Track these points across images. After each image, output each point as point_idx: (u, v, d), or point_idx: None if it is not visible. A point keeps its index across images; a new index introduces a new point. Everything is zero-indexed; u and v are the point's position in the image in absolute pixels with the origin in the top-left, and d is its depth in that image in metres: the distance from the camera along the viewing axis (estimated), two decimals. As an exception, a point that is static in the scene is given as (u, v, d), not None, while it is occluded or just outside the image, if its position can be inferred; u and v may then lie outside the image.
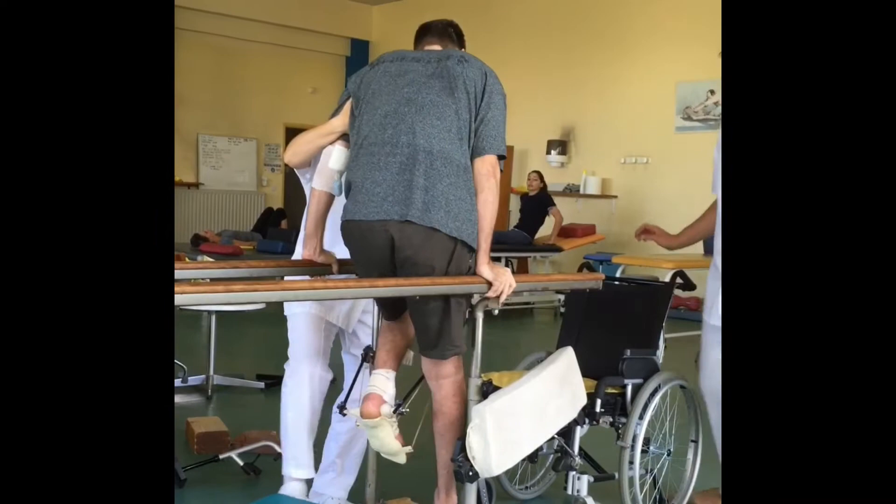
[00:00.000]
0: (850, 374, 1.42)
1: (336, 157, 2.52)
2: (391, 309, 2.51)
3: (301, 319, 2.82)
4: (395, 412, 2.42)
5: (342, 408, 2.58)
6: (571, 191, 9.47)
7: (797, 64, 1.47)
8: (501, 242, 7.71)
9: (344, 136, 2.53)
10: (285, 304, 2.89)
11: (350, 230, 2.38)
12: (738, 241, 1.51)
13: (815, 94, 1.45)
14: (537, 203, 8.36)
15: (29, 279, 1.35)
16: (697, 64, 8.32)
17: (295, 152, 2.60)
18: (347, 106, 2.50)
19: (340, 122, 2.52)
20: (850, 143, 1.43)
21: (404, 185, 2.28)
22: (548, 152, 9.71)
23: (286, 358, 2.86)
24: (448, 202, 2.28)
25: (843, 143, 1.43)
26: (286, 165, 12.07)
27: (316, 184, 2.56)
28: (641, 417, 2.80)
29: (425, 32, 2.55)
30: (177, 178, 10.54)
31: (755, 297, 1.49)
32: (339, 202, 2.59)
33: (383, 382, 2.44)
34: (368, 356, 2.58)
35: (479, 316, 2.40)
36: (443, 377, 2.44)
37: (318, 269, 2.63)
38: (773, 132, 1.48)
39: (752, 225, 1.50)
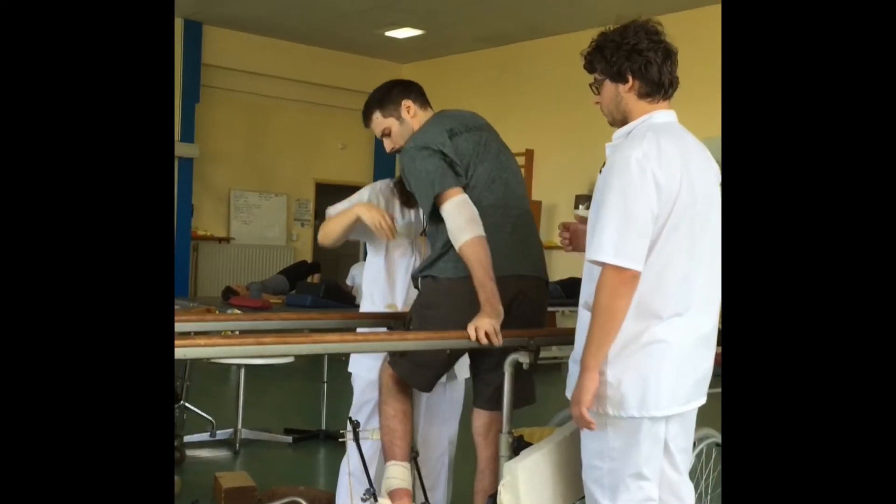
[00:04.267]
0: (853, 389, 1.40)
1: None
2: (437, 377, 2.56)
3: (359, 382, 2.89)
4: None
5: (373, 496, 2.47)
6: (600, 245, 9.45)
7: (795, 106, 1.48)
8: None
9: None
10: (351, 364, 2.98)
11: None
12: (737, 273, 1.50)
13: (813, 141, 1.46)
14: None
15: (34, 333, 1.36)
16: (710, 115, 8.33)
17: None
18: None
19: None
20: (842, 184, 1.43)
21: (519, 244, 2.51)
22: (576, 207, 9.72)
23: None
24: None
25: (838, 181, 1.43)
26: (316, 220, 12.10)
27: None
28: (676, 476, 2.74)
29: (421, 92, 2.71)
30: (208, 233, 10.66)
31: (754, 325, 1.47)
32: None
33: (408, 477, 2.44)
34: (356, 433, 2.51)
35: (509, 370, 2.39)
36: (497, 431, 2.45)
37: (351, 323, 2.66)
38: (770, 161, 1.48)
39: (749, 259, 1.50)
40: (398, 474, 2.40)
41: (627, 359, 1.99)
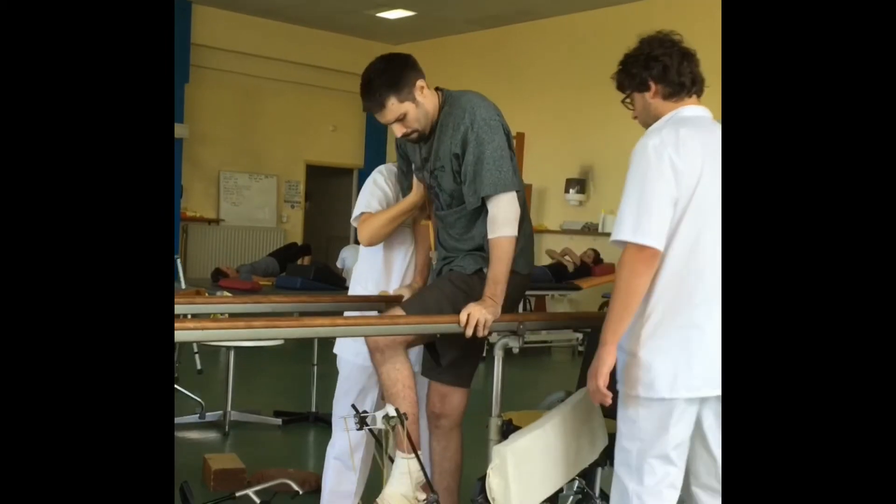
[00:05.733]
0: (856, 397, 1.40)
1: None
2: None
3: (346, 366, 2.88)
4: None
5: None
6: (590, 229, 9.46)
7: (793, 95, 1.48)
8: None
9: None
10: (337, 346, 2.94)
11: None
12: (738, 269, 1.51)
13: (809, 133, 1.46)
14: None
15: (35, 329, 1.35)
16: (716, 104, 8.34)
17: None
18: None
19: None
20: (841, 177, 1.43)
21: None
22: (566, 191, 9.73)
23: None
24: None
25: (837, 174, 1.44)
26: (307, 202, 12.05)
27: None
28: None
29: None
30: (198, 214, 10.62)
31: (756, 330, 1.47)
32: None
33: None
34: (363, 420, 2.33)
35: (499, 354, 2.40)
36: (463, 405, 2.52)
37: (341, 306, 2.65)
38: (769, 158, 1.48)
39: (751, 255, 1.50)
40: (415, 467, 2.36)
41: (660, 340, 2.05)
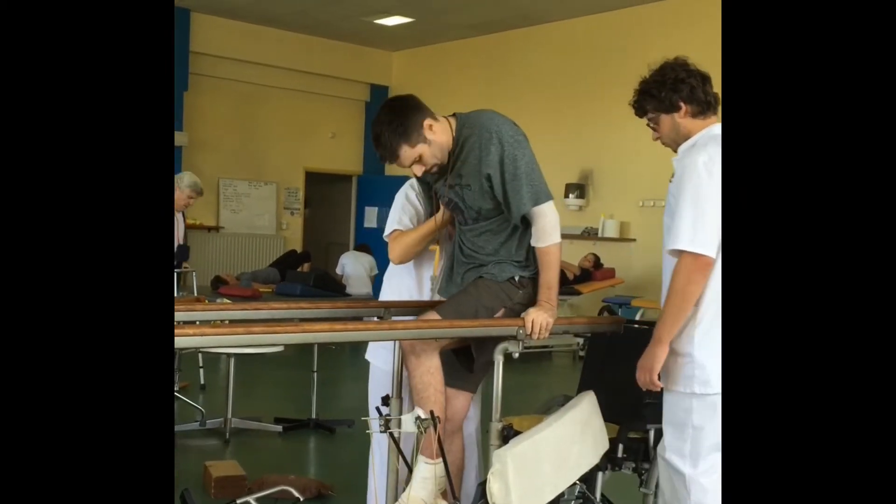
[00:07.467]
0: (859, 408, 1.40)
1: None
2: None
3: (376, 372, 2.90)
4: None
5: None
6: (590, 234, 9.47)
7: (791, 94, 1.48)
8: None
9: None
10: (369, 353, 2.95)
11: None
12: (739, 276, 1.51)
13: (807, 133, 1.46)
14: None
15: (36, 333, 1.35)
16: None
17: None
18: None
19: None
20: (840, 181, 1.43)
21: None
22: (566, 196, 9.73)
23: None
24: None
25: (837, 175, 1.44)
26: (306, 209, 12.03)
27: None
28: (665, 463, 2.76)
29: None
30: (198, 222, 10.62)
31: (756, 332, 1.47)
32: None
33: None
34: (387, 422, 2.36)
35: (499, 359, 2.40)
36: (465, 409, 2.52)
37: (339, 311, 2.66)
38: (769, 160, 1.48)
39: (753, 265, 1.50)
40: (438, 472, 2.38)
41: (713, 341, 2.20)
